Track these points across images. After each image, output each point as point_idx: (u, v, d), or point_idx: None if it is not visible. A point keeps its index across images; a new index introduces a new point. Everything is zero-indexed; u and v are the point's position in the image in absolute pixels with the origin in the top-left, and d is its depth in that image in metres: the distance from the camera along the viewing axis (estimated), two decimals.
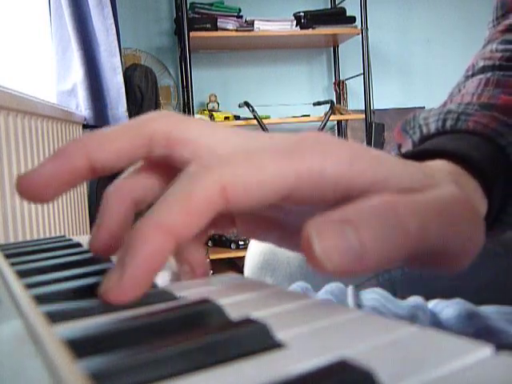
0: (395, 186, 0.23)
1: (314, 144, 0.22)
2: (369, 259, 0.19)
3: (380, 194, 0.22)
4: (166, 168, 0.26)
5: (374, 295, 0.40)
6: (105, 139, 0.24)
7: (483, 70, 0.43)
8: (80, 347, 0.15)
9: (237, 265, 2.59)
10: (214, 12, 2.71)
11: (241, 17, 2.75)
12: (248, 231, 0.29)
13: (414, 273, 0.54)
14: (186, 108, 2.68)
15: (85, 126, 2.09)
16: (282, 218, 0.28)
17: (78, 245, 0.36)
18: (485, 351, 0.15)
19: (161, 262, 0.20)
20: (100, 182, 2.42)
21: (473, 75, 0.44)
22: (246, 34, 2.70)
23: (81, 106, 2.02)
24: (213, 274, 0.29)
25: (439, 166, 0.29)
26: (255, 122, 2.70)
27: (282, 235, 0.29)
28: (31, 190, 0.23)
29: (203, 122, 0.25)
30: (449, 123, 0.34)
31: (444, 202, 0.22)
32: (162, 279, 0.28)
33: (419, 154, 0.32)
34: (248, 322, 0.17)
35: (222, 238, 2.65)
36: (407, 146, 0.38)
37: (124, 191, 0.26)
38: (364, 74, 2.82)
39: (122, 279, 0.19)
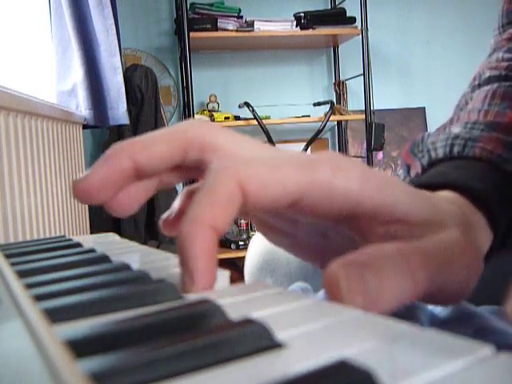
0: (402, 215, 0.25)
1: (328, 160, 0.24)
2: (383, 301, 0.22)
3: (392, 241, 0.24)
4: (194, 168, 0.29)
5: None
6: (147, 144, 0.26)
7: (489, 80, 0.43)
8: (80, 347, 0.15)
9: (237, 265, 2.59)
10: (214, 12, 2.71)
11: (241, 17, 2.75)
12: (263, 233, 0.32)
13: None
14: (186, 108, 2.68)
15: (85, 126, 2.09)
16: (294, 231, 0.31)
17: (78, 245, 0.36)
18: (485, 351, 0.15)
19: (213, 249, 0.23)
20: None
21: (479, 85, 0.44)
22: (246, 34, 2.70)
23: (81, 106, 2.02)
24: None
25: (448, 197, 0.31)
26: (255, 122, 2.70)
27: (293, 244, 0.32)
28: (86, 193, 0.25)
29: (232, 132, 0.28)
30: (456, 149, 0.36)
31: (447, 248, 0.24)
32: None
33: (426, 184, 0.33)
34: (248, 322, 0.17)
35: (222, 238, 2.65)
36: (416, 168, 0.39)
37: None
38: (364, 74, 2.82)
39: (194, 282, 0.22)
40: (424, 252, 0.24)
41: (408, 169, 0.40)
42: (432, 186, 0.32)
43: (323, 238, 0.30)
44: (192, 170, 0.29)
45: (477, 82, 0.45)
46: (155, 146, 0.26)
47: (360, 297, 0.21)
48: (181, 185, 2.74)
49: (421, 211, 0.25)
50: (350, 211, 0.24)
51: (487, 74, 0.44)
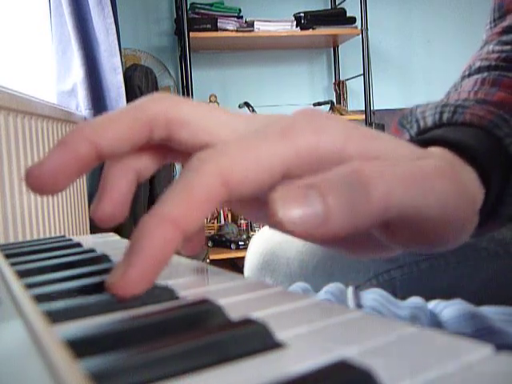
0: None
1: (309, 123, 0.23)
2: (332, 224, 0.20)
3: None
4: (165, 148, 0.27)
5: (374, 296, 0.40)
6: (106, 124, 0.24)
7: (479, 70, 0.43)
8: (80, 347, 0.15)
9: (237, 265, 2.59)
10: (214, 12, 2.71)
11: (241, 17, 2.75)
12: (242, 210, 0.30)
13: (414, 273, 0.54)
14: None
15: None
16: None
17: (78, 245, 0.37)
18: (485, 351, 0.15)
19: (167, 255, 0.20)
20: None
21: (469, 75, 0.44)
22: (246, 34, 2.70)
23: (81, 106, 2.02)
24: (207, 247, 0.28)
25: (437, 152, 0.29)
26: None
27: None
28: (40, 183, 0.22)
29: (201, 104, 0.26)
30: (446, 116, 0.34)
31: (422, 170, 0.22)
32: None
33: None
34: (248, 322, 0.17)
35: (222, 239, 2.65)
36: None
37: (125, 164, 0.26)
38: (364, 74, 2.82)
39: (127, 273, 0.20)
40: (384, 166, 0.21)
41: None
42: (421, 145, 0.30)
43: None
44: (168, 154, 0.27)
45: (467, 72, 0.44)
46: (115, 127, 0.24)
47: (300, 220, 0.19)
48: None
49: (405, 155, 0.24)
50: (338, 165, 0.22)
51: (477, 64, 0.44)
